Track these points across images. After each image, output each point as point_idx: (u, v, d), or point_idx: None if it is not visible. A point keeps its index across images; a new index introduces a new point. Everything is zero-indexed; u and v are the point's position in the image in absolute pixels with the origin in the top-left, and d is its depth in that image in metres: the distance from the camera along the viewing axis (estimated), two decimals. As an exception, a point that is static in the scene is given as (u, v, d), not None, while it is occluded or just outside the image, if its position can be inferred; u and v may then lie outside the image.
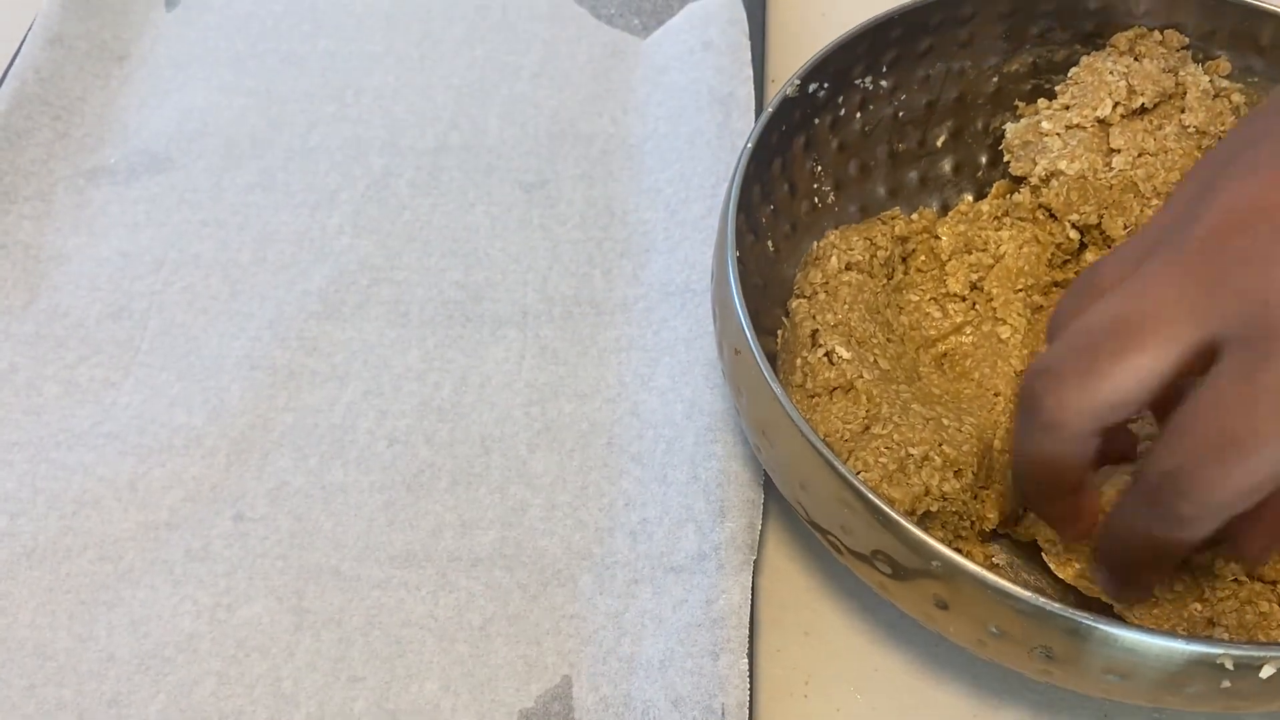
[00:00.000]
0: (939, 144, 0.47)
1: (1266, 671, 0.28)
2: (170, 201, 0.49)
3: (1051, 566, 0.37)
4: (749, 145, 0.39)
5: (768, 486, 0.40)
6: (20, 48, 0.53)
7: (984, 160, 0.47)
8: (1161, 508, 0.29)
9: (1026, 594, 0.29)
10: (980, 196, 0.46)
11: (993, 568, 0.37)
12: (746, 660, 0.36)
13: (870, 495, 0.31)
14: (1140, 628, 0.29)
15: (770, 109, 0.40)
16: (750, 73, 0.51)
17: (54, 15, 0.53)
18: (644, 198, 0.49)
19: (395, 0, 0.57)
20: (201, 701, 0.36)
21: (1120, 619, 0.33)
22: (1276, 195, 0.27)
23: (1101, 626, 0.28)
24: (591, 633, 0.38)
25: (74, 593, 0.39)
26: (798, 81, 0.41)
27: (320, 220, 0.49)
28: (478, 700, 0.37)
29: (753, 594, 0.39)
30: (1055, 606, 0.29)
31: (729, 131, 0.49)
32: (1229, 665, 0.28)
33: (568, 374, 0.44)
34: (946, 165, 0.47)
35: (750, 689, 0.36)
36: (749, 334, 0.34)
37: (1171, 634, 0.29)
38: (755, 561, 0.38)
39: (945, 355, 0.42)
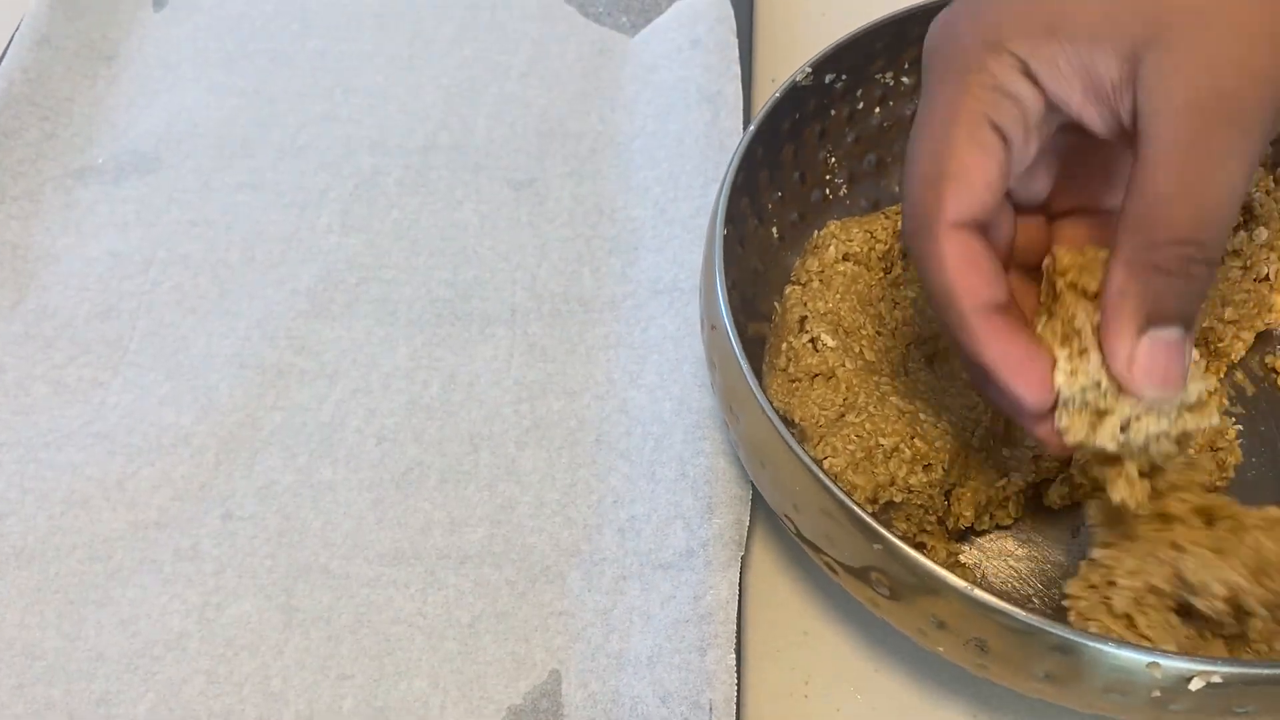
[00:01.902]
0: (960, 148, 0.47)
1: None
2: (159, 201, 0.49)
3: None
4: (753, 128, 0.39)
5: (756, 483, 0.40)
6: (8, 48, 0.53)
7: None
8: (1184, 245, 0.26)
9: (978, 591, 0.29)
10: None
11: (956, 565, 0.38)
12: (734, 655, 0.36)
13: (816, 469, 0.31)
14: (1131, 644, 0.29)
15: (778, 94, 0.40)
16: (738, 70, 0.51)
17: (41, 15, 0.53)
18: (632, 195, 0.49)
19: (384, 0, 0.57)
20: (190, 700, 0.36)
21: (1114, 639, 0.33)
22: None
23: (1092, 643, 0.29)
24: (580, 629, 0.38)
25: (63, 592, 0.39)
26: (809, 70, 0.41)
27: (309, 219, 0.49)
28: (466, 697, 0.37)
29: (750, 593, 0.39)
30: (1040, 621, 0.29)
31: (717, 130, 0.49)
32: (1218, 680, 0.28)
33: (556, 371, 0.44)
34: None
35: (739, 685, 0.36)
36: (724, 309, 0.35)
37: (1161, 650, 0.29)
38: (744, 558, 0.38)
39: (936, 354, 0.42)
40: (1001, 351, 0.29)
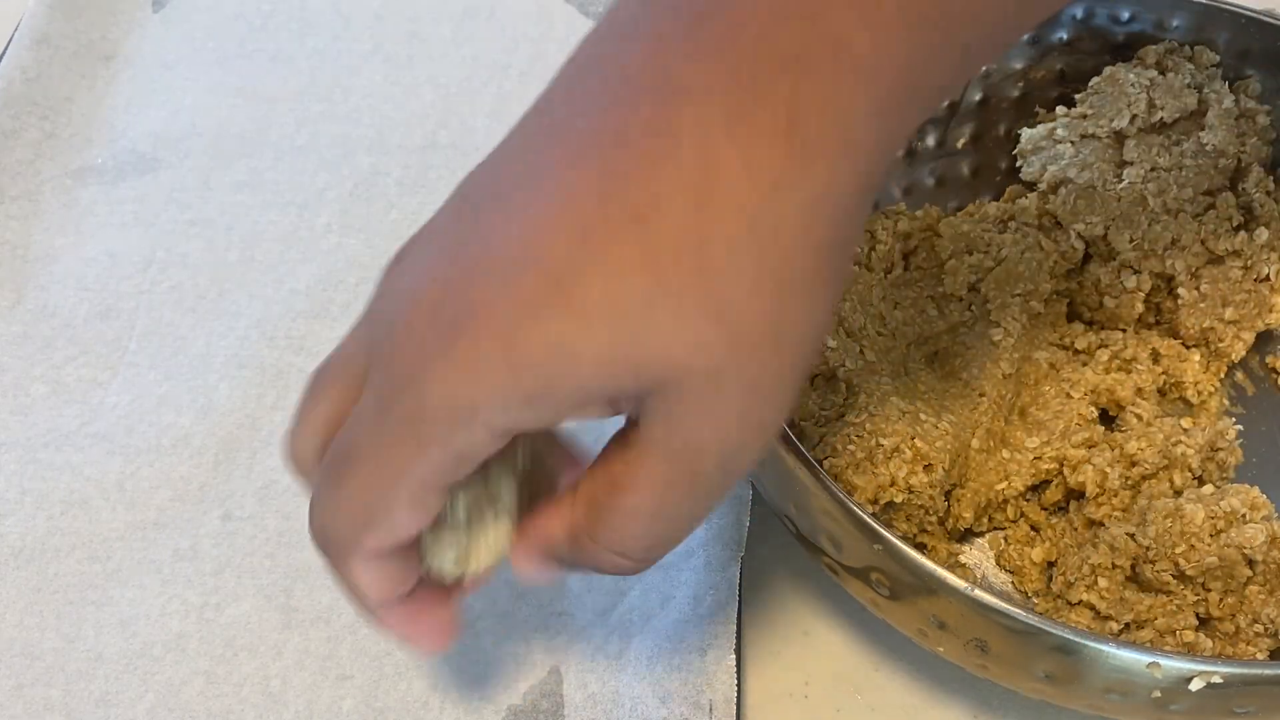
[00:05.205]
0: (959, 145, 0.46)
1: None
2: (158, 201, 0.49)
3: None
4: None
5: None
6: (7, 48, 0.52)
7: (1003, 166, 0.46)
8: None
9: (965, 586, 0.30)
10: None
11: (956, 566, 0.38)
12: (734, 656, 0.36)
13: (816, 469, 0.31)
14: (1131, 645, 0.29)
15: None
16: (738, 70, 0.51)
17: (41, 15, 0.53)
18: (632, 195, 0.49)
19: (383, 0, 0.57)
20: (190, 701, 0.36)
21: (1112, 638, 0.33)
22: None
23: (1092, 643, 0.29)
24: (580, 629, 0.38)
25: (62, 592, 0.39)
26: None
27: (308, 219, 0.49)
28: (466, 697, 0.37)
29: (750, 594, 0.39)
30: (1040, 621, 0.29)
31: (716, 129, 0.49)
32: (1218, 680, 0.28)
33: (556, 372, 0.44)
34: (965, 167, 0.46)
35: (739, 685, 0.36)
36: None
37: (1161, 650, 0.29)
38: (744, 558, 0.38)
39: (937, 354, 0.42)
40: (404, 623, 0.30)
